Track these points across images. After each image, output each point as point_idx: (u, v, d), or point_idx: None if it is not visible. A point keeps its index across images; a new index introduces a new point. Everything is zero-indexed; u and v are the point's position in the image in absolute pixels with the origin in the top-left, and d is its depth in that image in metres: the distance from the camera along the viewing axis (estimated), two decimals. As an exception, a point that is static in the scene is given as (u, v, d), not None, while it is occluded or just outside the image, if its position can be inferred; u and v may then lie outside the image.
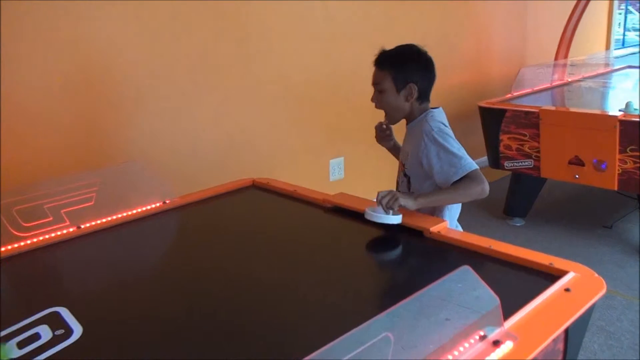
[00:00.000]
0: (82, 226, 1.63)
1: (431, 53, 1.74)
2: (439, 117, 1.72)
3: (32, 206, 1.52)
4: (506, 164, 3.49)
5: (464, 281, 0.93)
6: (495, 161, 3.55)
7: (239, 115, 2.71)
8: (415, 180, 1.75)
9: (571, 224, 3.64)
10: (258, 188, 2.01)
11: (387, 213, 1.54)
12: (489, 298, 0.99)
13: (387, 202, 1.54)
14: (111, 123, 2.26)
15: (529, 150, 3.35)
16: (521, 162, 3.41)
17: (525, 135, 3.34)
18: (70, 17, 2.07)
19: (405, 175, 1.79)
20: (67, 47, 2.09)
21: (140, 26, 2.27)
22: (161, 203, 1.81)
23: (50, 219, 1.56)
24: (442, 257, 1.46)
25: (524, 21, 4.69)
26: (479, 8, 4.13)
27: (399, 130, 1.86)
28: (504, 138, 3.44)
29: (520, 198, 3.69)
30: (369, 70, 1.74)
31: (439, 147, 1.64)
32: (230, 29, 2.60)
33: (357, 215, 1.67)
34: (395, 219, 1.55)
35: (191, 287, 1.35)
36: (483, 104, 3.55)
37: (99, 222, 1.66)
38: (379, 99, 1.72)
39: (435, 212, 1.73)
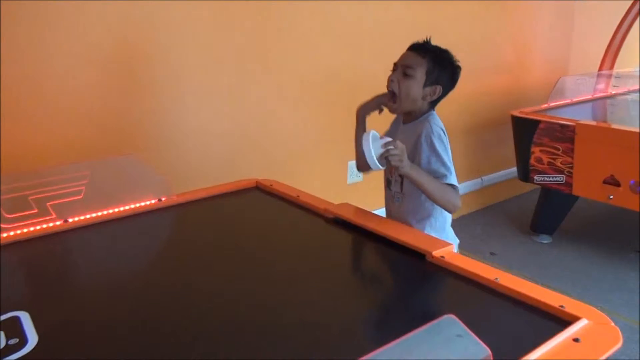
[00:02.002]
0: (70, 220, 1.56)
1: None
2: (440, 122, 1.66)
3: (16, 197, 1.45)
4: (536, 177, 3.31)
5: (448, 333, 0.81)
6: (525, 174, 3.37)
7: (257, 112, 2.62)
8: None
9: (601, 246, 3.43)
10: (261, 190, 1.91)
11: (380, 159, 1.46)
12: (478, 349, 0.86)
13: (392, 156, 1.46)
14: (135, 113, 2.20)
15: (561, 166, 3.16)
16: (552, 177, 3.22)
17: (558, 149, 3.15)
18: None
19: (400, 175, 1.71)
20: (99, 31, 2.04)
21: (159, 23, 2.20)
22: (156, 200, 1.73)
23: (35, 211, 1.50)
24: (441, 287, 1.34)
25: (570, 27, 4.44)
26: (521, 10, 3.92)
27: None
28: (536, 150, 3.25)
29: (548, 214, 3.50)
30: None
31: (432, 152, 1.59)
32: (251, 27, 2.50)
33: (356, 230, 1.56)
34: (380, 166, 1.47)
35: (167, 298, 1.25)
36: (516, 113, 3.37)
37: (87, 216, 1.59)
38: (401, 81, 1.63)
39: (425, 218, 1.69)
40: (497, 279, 1.27)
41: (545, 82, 4.09)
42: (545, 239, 3.51)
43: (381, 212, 1.87)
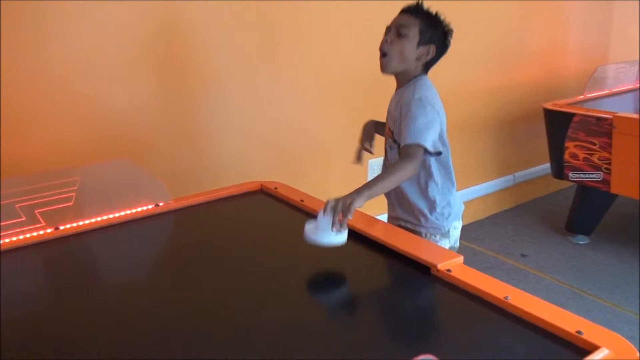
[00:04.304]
0: (61, 227, 1.50)
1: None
2: (429, 86, 1.67)
3: (2, 205, 1.40)
4: (571, 174, 3.11)
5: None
6: (559, 170, 3.17)
7: (272, 112, 2.53)
8: None
9: (643, 248, 3.21)
10: (265, 193, 1.82)
11: (340, 227, 1.30)
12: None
13: (344, 207, 1.32)
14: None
15: (598, 162, 2.95)
16: (588, 173, 3.02)
17: (594, 144, 2.94)
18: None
19: (395, 142, 1.71)
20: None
21: (165, 24, 2.13)
22: (153, 206, 1.66)
23: (24, 219, 1.44)
24: (444, 305, 1.21)
25: (610, 10, 4.17)
26: (556, -4, 3.69)
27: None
28: (570, 145, 3.06)
29: (585, 214, 3.29)
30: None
31: (408, 114, 1.59)
32: (266, 26, 2.41)
33: (359, 237, 1.44)
34: (342, 237, 1.32)
35: (163, 311, 1.17)
36: (549, 105, 3.17)
37: (80, 223, 1.52)
38: (394, 41, 1.64)
39: (427, 180, 1.70)
40: (507, 297, 1.14)
41: (581, 72, 3.86)
42: (582, 240, 3.31)
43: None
